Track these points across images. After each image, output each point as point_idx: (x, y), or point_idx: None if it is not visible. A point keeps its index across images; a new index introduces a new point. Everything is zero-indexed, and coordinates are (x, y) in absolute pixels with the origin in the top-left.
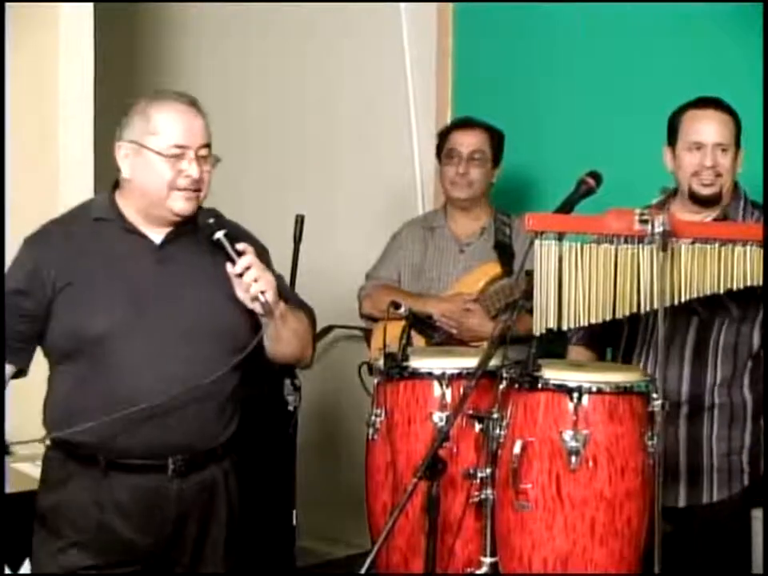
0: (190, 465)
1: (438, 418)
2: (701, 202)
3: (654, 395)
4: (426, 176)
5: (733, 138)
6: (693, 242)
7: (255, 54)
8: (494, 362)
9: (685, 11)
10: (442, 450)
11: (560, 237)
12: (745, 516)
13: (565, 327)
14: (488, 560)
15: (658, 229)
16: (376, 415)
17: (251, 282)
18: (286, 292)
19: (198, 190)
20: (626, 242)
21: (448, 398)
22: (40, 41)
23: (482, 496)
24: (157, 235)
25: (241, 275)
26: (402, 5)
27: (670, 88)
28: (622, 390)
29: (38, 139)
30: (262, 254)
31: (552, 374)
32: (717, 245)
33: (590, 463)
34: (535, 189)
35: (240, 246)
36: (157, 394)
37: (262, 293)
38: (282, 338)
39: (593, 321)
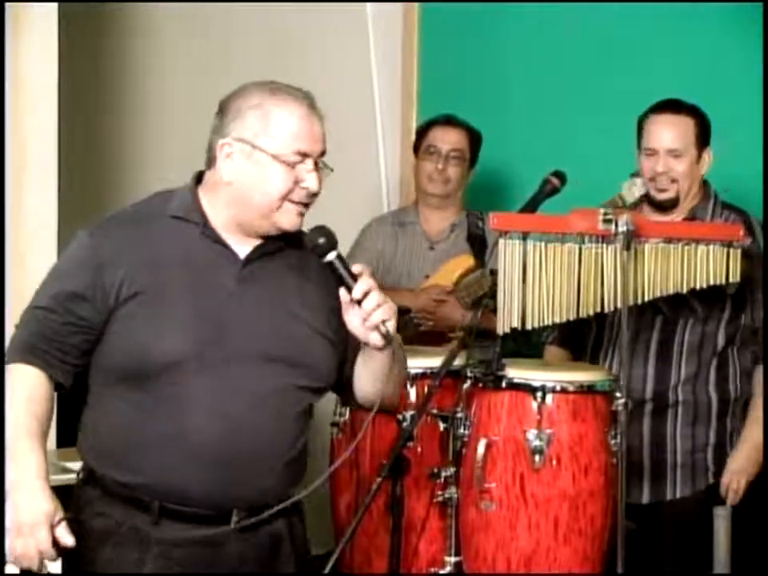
0: (255, 517)
1: (403, 417)
2: (658, 206)
3: (618, 394)
4: (392, 175)
5: (691, 141)
6: (657, 242)
7: (220, 54)
8: (458, 362)
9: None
10: (406, 450)
11: (524, 236)
12: (710, 514)
13: (529, 327)
14: (452, 559)
15: (622, 228)
16: (340, 415)
17: (371, 311)
18: None
19: (309, 204)
20: (590, 241)
21: (412, 398)
22: (5, 41)
23: (446, 495)
24: (242, 248)
25: (359, 302)
26: (368, 5)
27: (642, 88)
28: (586, 389)
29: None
30: None
31: (516, 373)
32: (680, 245)
33: (554, 462)
34: (501, 188)
35: (356, 269)
36: (224, 437)
37: (383, 322)
38: (389, 377)
39: (557, 320)
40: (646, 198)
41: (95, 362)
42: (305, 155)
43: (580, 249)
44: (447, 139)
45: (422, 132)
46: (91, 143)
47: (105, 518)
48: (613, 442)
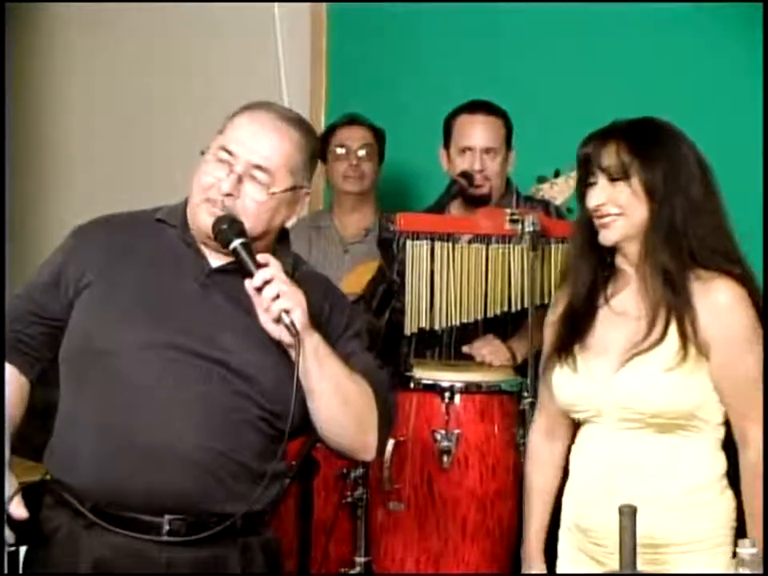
0: (190, 529)
1: None
2: (473, 202)
3: (525, 394)
4: None
5: (502, 141)
6: (562, 241)
7: (122, 55)
8: None
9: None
10: (315, 451)
11: (432, 237)
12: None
13: (437, 327)
14: (361, 560)
15: (528, 228)
16: None
17: (271, 300)
18: (356, 355)
19: (225, 206)
20: (496, 241)
21: None
22: None
23: (355, 496)
24: (216, 260)
25: (261, 291)
26: (276, 5)
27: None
28: (493, 390)
29: None
30: (350, 316)
31: (423, 373)
32: None
33: (462, 462)
34: (409, 188)
35: (262, 258)
36: (150, 431)
37: (286, 312)
38: (315, 392)
39: (464, 320)
40: (453, 195)
41: (60, 365)
42: (231, 154)
43: (487, 249)
44: (355, 136)
45: (328, 135)
46: None
47: (49, 523)
48: (521, 441)
